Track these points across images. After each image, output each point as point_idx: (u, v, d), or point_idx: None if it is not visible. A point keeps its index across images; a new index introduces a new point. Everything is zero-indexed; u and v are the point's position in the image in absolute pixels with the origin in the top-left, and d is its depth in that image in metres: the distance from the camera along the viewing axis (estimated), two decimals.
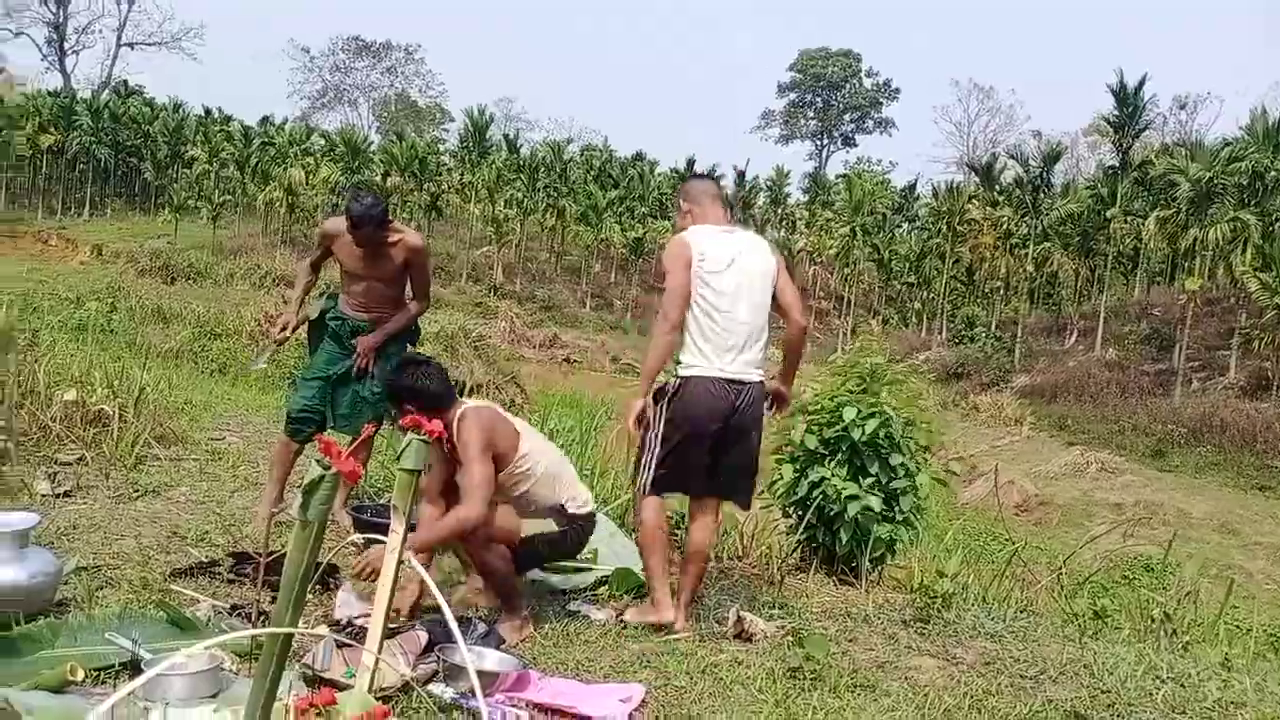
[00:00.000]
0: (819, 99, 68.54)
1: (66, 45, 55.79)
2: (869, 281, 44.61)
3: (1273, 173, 27.65)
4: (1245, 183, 28.41)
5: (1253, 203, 28.22)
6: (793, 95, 69.34)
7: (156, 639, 2.79)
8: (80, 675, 2.51)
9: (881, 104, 68.40)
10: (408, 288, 4.50)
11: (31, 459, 5.03)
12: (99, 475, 4.92)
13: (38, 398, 5.67)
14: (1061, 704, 3.08)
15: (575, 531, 3.59)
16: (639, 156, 48.58)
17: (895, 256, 42.39)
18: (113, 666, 2.63)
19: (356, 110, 67.80)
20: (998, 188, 38.28)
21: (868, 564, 4.40)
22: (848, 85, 67.86)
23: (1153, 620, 4.25)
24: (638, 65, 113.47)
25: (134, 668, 2.59)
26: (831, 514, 4.43)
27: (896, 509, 4.51)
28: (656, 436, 3.51)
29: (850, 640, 3.62)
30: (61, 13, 55.18)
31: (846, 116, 68.79)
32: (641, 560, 3.70)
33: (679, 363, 3.57)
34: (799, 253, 43.89)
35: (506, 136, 47.58)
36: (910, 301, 43.68)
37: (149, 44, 59.04)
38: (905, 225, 48.22)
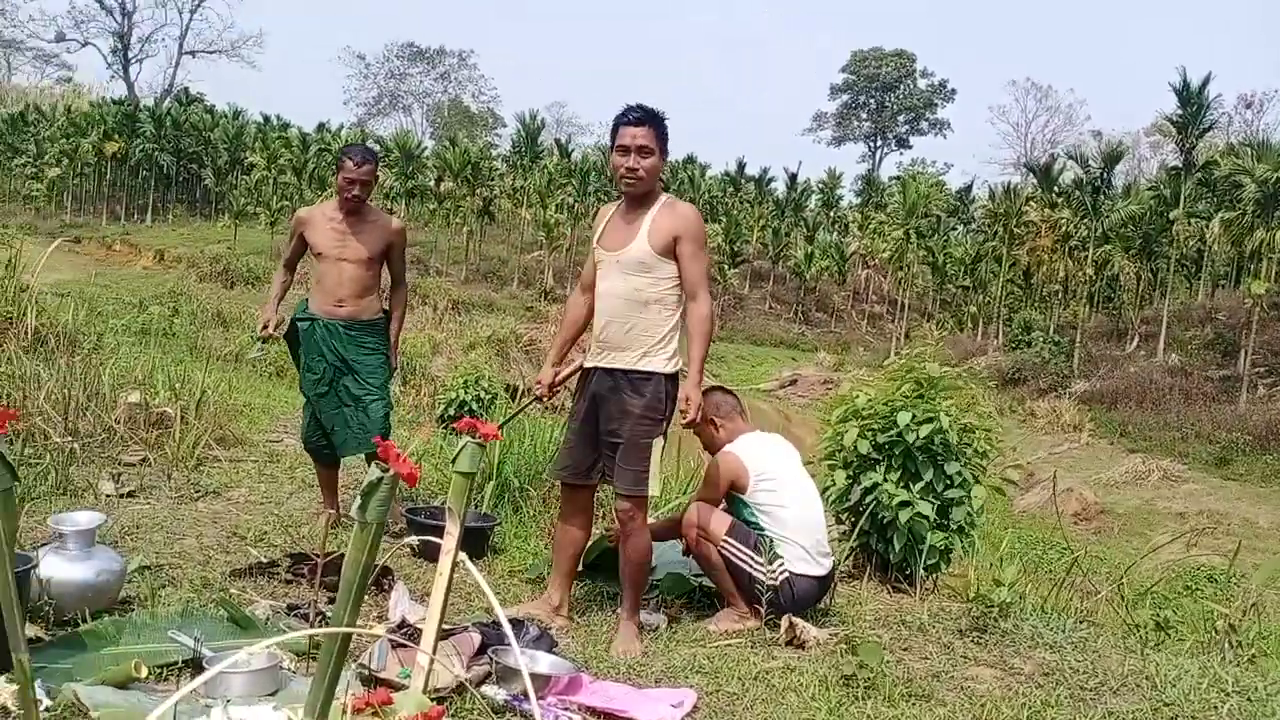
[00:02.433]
0: (872, 100, 67.91)
1: (131, 54, 57.42)
2: (923, 285, 44.03)
3: None
4: None
5: None
6: (845, 96, 68.80)
7: (217, 637, 2.85)
8: (144, 672, 2.57)
9: (936, 105, 67.58)
10: (380, 276, 4.48)
11: (96, 460, 5.17)
12: (161, 476, 5.04)
13: (102, 400, 5.83)
14: (1122, 716, 3.00)
15: None
16: (690, 160, 48.54)
17: (950, 260, 41.79)
18: (175, 664, 2.68)
19: (410, 116, 68.78)
20: (1056, 189, 37.54)
21: (922, 572, 4.34)
22: (902, 86, 67.14)
23: (1217, 632, 4.13)
24: (689, 68, 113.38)
25: (196, 665, 2.64)
26: (885, 521, 4.38)
27: (951, 517, 4.45)
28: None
29: (905, 649, 3.57)
30: (126, 22, 56.81)
31: (900, 118, 68.07)
32: (712, 577, 3.71)
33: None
34: (851, 255, 43.48)
35: (558, 141, 47.87)
36: (965, 305, 42.99)
37: (210, 52, 60.52)
38: (960, 228, 47.52)
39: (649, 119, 3.39)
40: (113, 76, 58.19)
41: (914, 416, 4.36)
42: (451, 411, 8.70)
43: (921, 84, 67.47)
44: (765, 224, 44.39)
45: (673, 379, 3.45)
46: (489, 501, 5.18)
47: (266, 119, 48.80)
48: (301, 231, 4.40)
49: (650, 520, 3.71)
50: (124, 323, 12.56)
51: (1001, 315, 39.18)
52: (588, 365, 3.57)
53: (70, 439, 5.13)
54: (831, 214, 48.32)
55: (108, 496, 4.61)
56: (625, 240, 3.43)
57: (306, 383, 4.44)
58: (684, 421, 3.47)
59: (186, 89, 54.44)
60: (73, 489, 4.61)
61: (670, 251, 3.37)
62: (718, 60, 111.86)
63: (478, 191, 40.67)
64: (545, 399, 3.88)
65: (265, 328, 4.41)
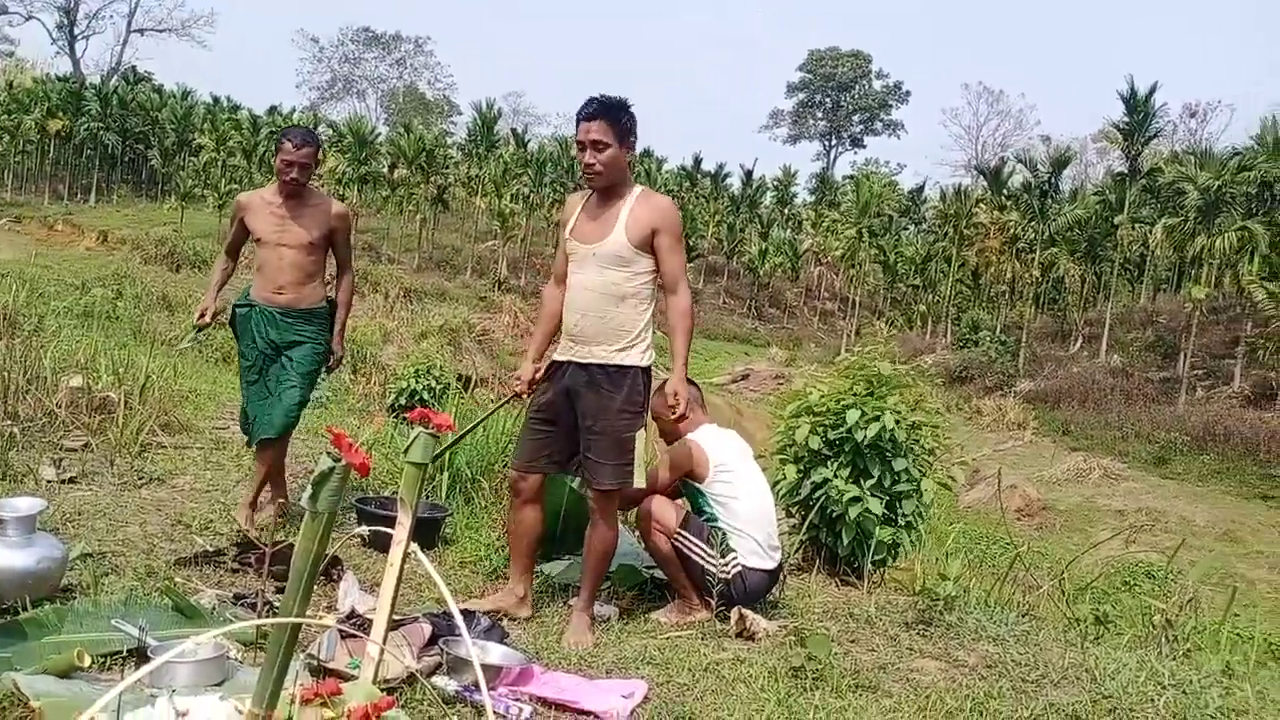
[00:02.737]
0: (828, 99, 68.48)
1: (77, 30, 55.86)
2: (874, 283, 44.60)
3: None
4: (1254, 192, 28.40)
5: (1261, 212, 28.21)
6: (802, 95, 69.29)
7: (162, 626, 2.80)
8: (87, 661, 2.51)
9: (891, 106, 68.35)
10: (324, 263, 4.32)
11: (37, 445, 5.05)
12: (104, 462, 4.94)
13: (43, 383, 5.70)
14: (1063, 708, 3.08)
15: None
16: (647, 153, 48.52)
17: (901, 259, 42.38)
18: (119, 653, 2.64)
19: (365, 102, 67.90)
20: (1005, 192, 38.22)
21: (870, 565, 4.41)
22: (857, 86, 67.79)
23: (1154, 627, 4.24)
24: (647, 60, 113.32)
25: (140, 654, 2.60)
26: (834, 515, 4.43)
27: (899, 512, 4.52)
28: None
29: (852, 641, 3.62)
30: None
31: (855, 117, 68.74)
32: (665, 569, 3.69)
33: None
34: (805, 252, 43.85)
35: (514, 131, 47.54)
36: (915, 304, 43.63)
37: (159, 30, 59.09)
38: (912, 228, 48.18)
39: (602, 112, 3.30)
40: (58, 53, 56.83)
41: (863, 414, 4.42)
42: (403, 401, 8.64)
43: (877, 85, 68.22)
44: (720, 219, 44.59)
45: (647, 371, 3.42)
46: (442, 492, 5.15)
47: (216, 100, 47.86)
48: (242, 217, 4.27)
49: None
50: (66, 305, 12.27)
51: (950, 314, 39.87)
52: (559, 358, 3.50)
53: (9, 423, 5.01)
54: (786, 211, 48.68)
55: (49, 482, 4.50)
56: (601, 233, 3.35)
57: (241, 370, 4.35)
58: (674, 416, 3.47)
59: (134, 68, 53.21)
60: (12, 474, 4.50)
61: (648, 245, 3.32)
62: (678, 51, 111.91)
63: (432, 179, 40.28)
64: (526, 396, 3.72)
65: (202, 315, 4.26)
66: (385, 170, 40.40)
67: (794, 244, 43.70)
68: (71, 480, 4.61)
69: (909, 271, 42.91)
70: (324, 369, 4.46)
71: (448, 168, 42.30)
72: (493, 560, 4.16)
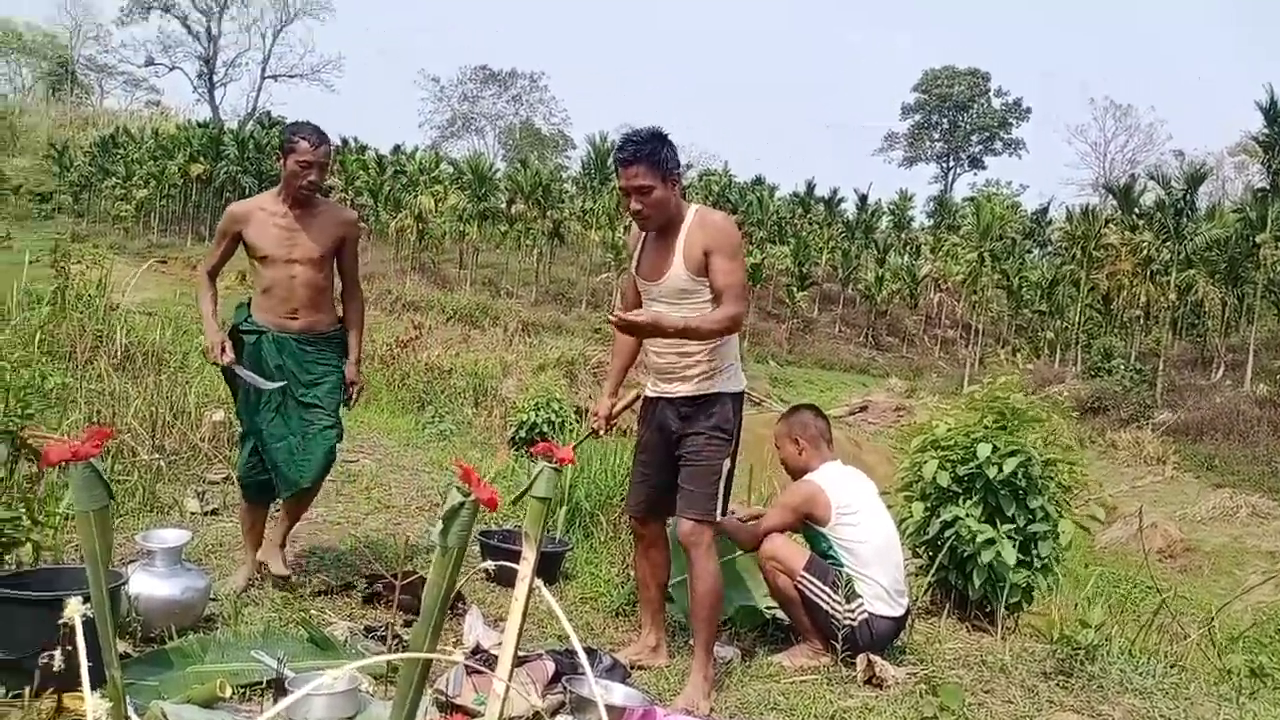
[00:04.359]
0: (945, 120, 67.08)
1: (216, 78, 59.55)
2: (998, 309, 43.18)
3: None
4: None
5: None
6: (917, 117, 68.08)
7: (298, 657, 2.89)
8: (229, 692, 2.61)
9: (1011, 124, 66.47)
10: (332, 279, 3.80)
11: (182, 477, 5.31)
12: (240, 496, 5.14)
13: (188, 418, 5.99)
14: None
15: None
16: (758, 181, 48.43)
17: (1026, 283, 40.93)
18: (258, 684, 2.73)
19: (483, 138, 69.92)
20: (1137, 211, 36.55)
21: (1003, 610, 4.22)
22: (975, 105, 66.21)
23: None
24: (758, 89, 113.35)
25: (278, 685, 2.67)
26: (964, 555, 4.27)
27: (1034, 554, 4.31)
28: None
29: (986, 691, 3.47)
30: (212, 47, 59.01)
31: (974, 138, 67.10)
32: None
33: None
34: (924, 278, 42.85)
35: None
36: (1042, 331, 42.00)
37: (291, 76, 62.43)
38: (1036, 250, 46.55)
39: (641, 155, 3.12)
40: (198, 100, 60.42)
41: (995, 449, 4.25)
42: (523, 434, 8.75)
43: (995, 103, 66.46)
44: (835, 246, 44.01)
45: (737, 396, 3.30)
46: (561, 527, 5.18)
47: (345, 141, 50.04)
48: (237, 231, 3.64)
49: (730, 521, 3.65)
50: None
51: (1080, 341, 38.18)
52: (650, 394, 3.42)
53: (157, 456, 5.28)
54: (903, 236, 47.70)
55: (192, 514, 4.72)
56: (661, 269, 3.24)
57: (247, 407, 3.70)
58: (615, 318, 3.06)
59: (269, 112, 56.16)
60: (159, 505, 4.74)
61: (705, 268, 3.15)
62: (788, 78, 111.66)
63: (548, 213, 41.10)
64: (604, 432, 3.68)
65: (220, 351, 3.57)
66: (503, 205, 41.40)
67: (912, 269, 42.76)
68: (213, 512, 4.82)
69: (1034, 297, 41.36)
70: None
71: (563, 201, 43.10)
72: (613, 596, 4.16)
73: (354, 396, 3.88)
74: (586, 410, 12.13)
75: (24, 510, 2.95)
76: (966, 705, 3.09)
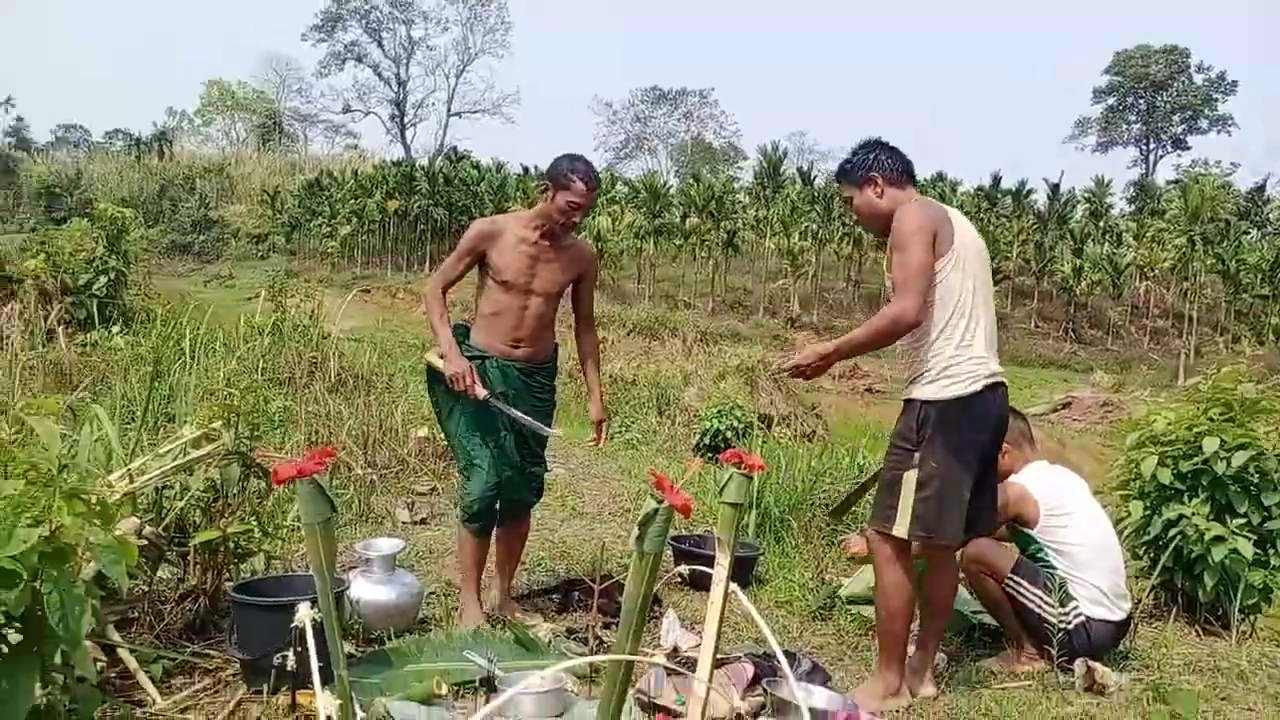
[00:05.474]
0: (1141, 101, 62.69)
1: (406, 119, 63.21)
2: (1213, 296, 39.88)
3: None
4: None
5: None
6: (1111, 99, 63.94)
7: (505, 657, 3.00)
8: (444, 689, 2.74)
9: (1216, 100, 61.37)
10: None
11: (392, 490, 5.64)
12: (448, 504, 5.41)
13: (395, 435, 6.36)
14: None
15: None
16: (940, 177, 46.75)
17: (1244, 266, 37.57)
18: (470, 682, 2.85)
19: (655, 157, 70.94)
20: None
21: (1238, 613, 3.87)
22: (1174, 83, 61.54)
23: None
24: (935, 85, 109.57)
25: (488, 684, 2.78)
26: (1192, 556, 3.95)
27: (1273, 552, 3.94)
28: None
29: (1222, 699, 3.19)
30: (401, 91, 62.65)
31: (1175, 117, 62.36)
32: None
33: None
34: (1127, 267, 40.19)
35: (800, 169, 47.54)
36: (1265, 316, 38.46)
37: (474, 111, 65.39)
38: (1254, 231, 42.71)
39: (841, 170, 3.41)
40: (391, 140, 64.26)
41: (1223, 442, 3.91)
42: (707, 441, 8.78)
43: (1197, 79, 61.53)
44: (1026, 238, 41.92)
45: (937, 405, 2.99)
46: (751, 531, 5.16)
47: (526, 170, 51.95)
48: (484, 250, 3.52)
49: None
50: (411, 364, 13.68)
51: None
52: None
53: (370, 470, 5.64)
54: (1101, 224, 44.86)
55: (404, 523, 5.01)
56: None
57: (473, 430, 3.50)
58: (784, 365, 3.19)
59: (455, 147, 59.04)
60: (373, 516, 5.05)
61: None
62: (966, 72, 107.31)
63: (721, 224, 41.18)
64: None
65: (468, 382, 3.39)
66: (678, 220, 41.84)
67: (1113, 258, 40.11)
68: (422, 521, 5.10)
69: (1255, 280, 37.92)
70: (594, 441, 3.89)
71: (736, 212, 43.07)
72: (807, 600, 4.10)
73: (602, 432, 3.85)
74: (771, 417, 12.05)
75: (255, 523, 3.20)
76: (1201, 713, 2.85)
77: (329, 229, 39.91)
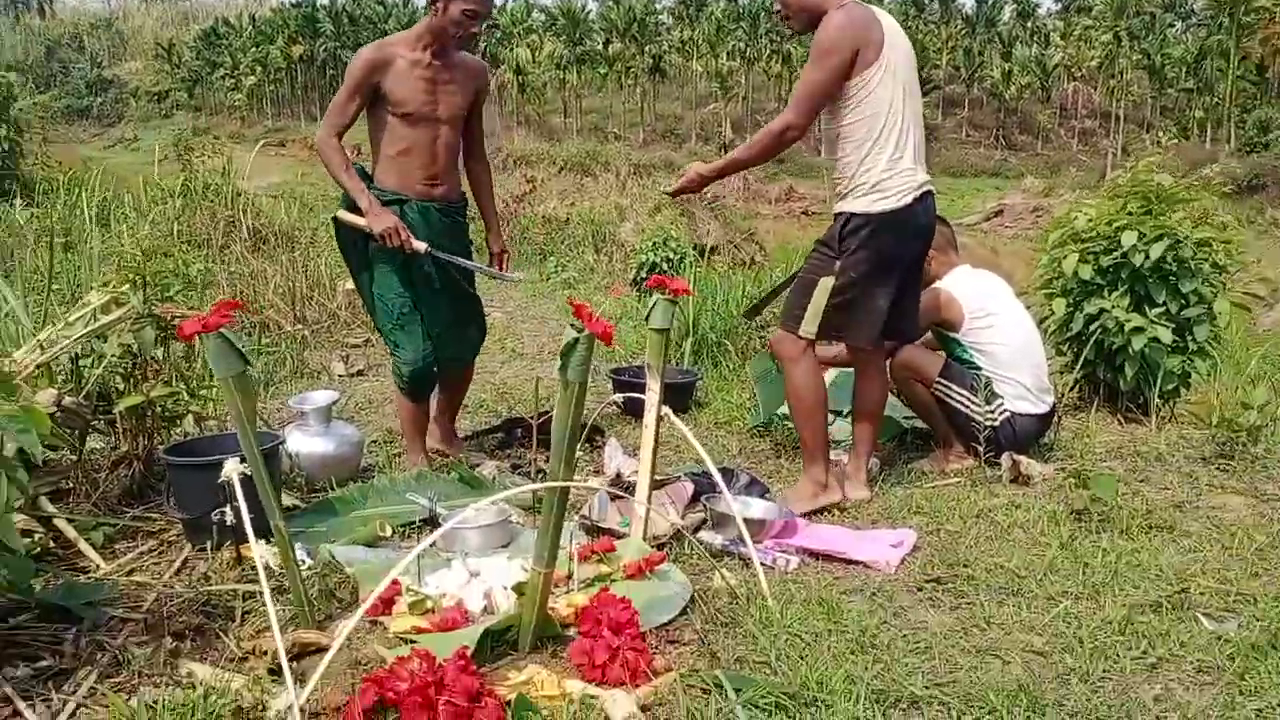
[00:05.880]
0: None
1: None
2: (1139, 93, 40.08)
3: None
4: None
5: None
6: None
7: (451, 497, 3.04)
8: (388, 531, 2.77)
9: None
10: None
11: (325, 344, 5.57)
12: (383, 355, 5.36)
13: (324, 289, 6.23)
14: None
15: None
16: None
17: (1169, 60, 37.67)
18: (414, 523, 2.89)
19: None
20: None
21: (1158, 399, 4.05)
22: None
23: None
24: None
25: (433, 523, 2.82)
26: (1113, 348, 4.08)
27: (1190, 339, 4.09)
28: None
29: (1141, 480, 3.36)
30: None
31: None
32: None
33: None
34: (1055, 68, 39.98)
35: None
36: (1189, 110, 38.84)
37: None
38: (1179, 24, 42.57)
39: None
40: None
41: (1141, 235, 3.98)
42: (643, 274, 8.76)
43: None
44: (955, 45, 41.33)
45: (863, 217, 2.96)
46: (688, 357, 5.21)
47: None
48: (376, 81, 3.14)
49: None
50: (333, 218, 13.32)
51: (1233, 117, 35.17)
52: None
53: (300, 327, 5.54)
54: (1029, 25, 44.30)
55: (340, 376, 4.97)
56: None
57: (402, 289, 3.24)
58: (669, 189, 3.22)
59: None
60: (309, 372, 5.00)
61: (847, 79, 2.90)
62: None
63: (646, 49, 39.85)
64: None
65: (402, 236, 3.12)
66: (600, 46, 40.37)
67: (1042, 60, 39.88)
68: (359, 373, 5.06)
69: (1179, 74, 38.11)
70: (499, 277, 3.68)
71: (660, 35, 41.65)
72: (745, 419, 4.19)
73: (503, 265, 3.64)
74: (707, 246, 12.02)
75: (181, 385, 3.13)
76: (1120, 495, 3.00)
77: (233, 81, 37.91)
